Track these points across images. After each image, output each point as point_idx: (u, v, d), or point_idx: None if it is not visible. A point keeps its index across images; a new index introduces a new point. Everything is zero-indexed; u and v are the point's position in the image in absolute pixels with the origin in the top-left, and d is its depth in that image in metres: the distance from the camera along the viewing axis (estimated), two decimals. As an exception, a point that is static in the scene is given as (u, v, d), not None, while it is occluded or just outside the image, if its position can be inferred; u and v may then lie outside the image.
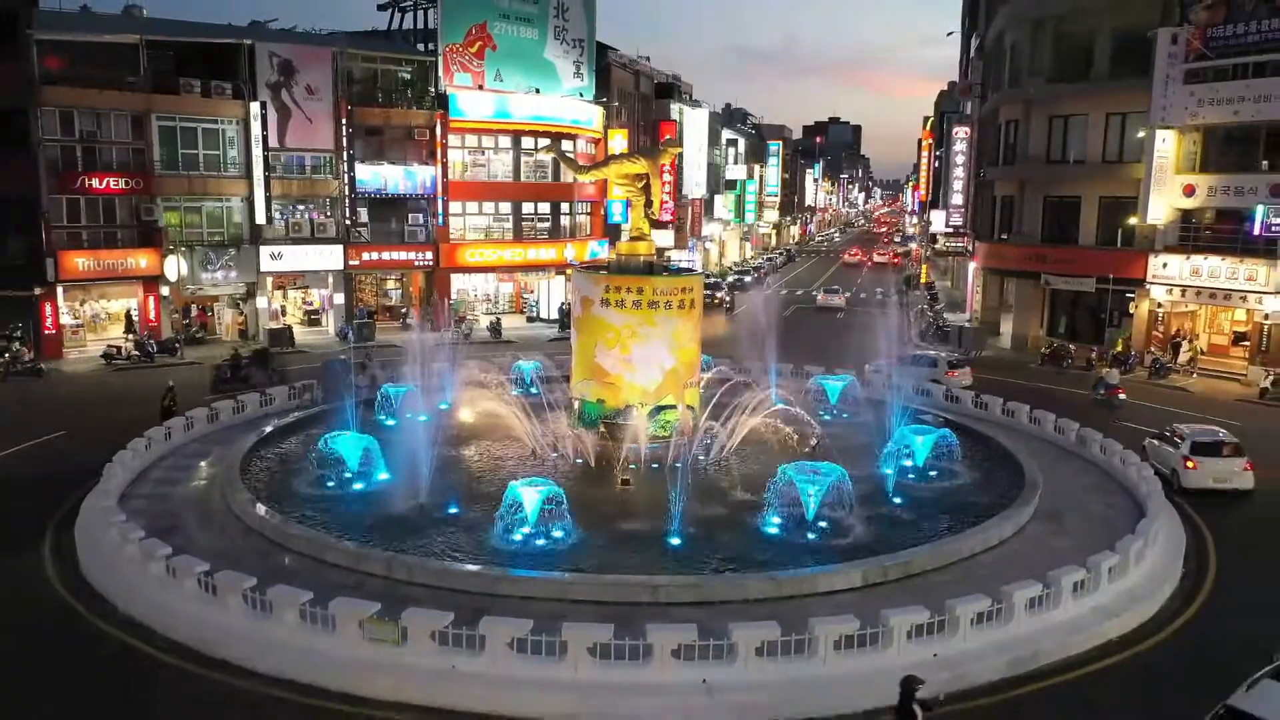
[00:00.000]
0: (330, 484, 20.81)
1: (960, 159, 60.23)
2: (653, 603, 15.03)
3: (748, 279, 75.26)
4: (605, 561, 16.86)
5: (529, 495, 17.56)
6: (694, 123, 75.38)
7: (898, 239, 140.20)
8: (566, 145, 49.47)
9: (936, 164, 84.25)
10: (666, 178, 58.35)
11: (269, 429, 24.52)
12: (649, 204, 24.30)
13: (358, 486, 20.71)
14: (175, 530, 18.11)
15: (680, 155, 65.41)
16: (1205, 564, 18.48)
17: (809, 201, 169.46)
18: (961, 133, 60.10)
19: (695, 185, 76.52)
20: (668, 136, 59.54)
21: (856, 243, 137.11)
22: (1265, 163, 35.42)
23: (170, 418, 24.62)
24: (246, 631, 14.21)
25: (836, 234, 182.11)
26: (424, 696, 13.01)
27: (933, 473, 22.18)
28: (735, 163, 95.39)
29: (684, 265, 48.52)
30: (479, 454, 23.38)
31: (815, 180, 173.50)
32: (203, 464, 22.56)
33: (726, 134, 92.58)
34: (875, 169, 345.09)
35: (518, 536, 17.51)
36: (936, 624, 13.99)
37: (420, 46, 49.10)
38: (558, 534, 17.61)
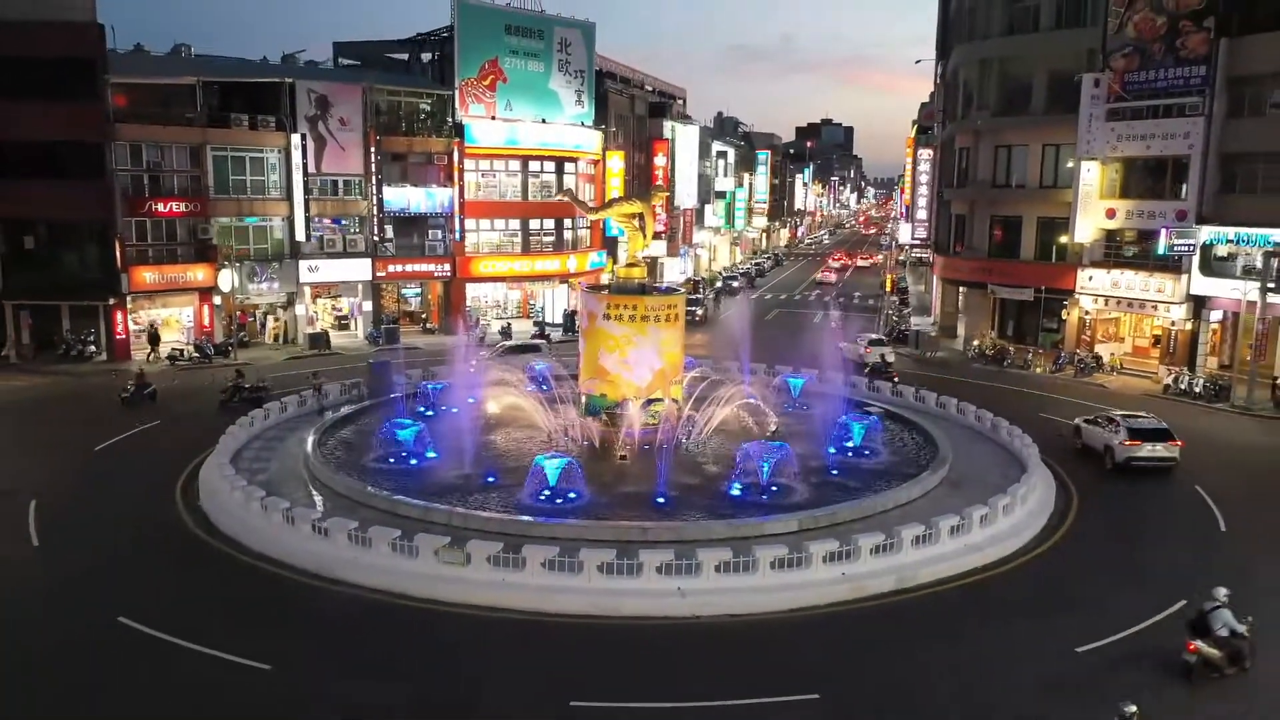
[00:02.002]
0: (391, 461, 26.37)
1: (925, 178, 66.00)
2: (643, 541, 20.46)
3: (735, 283, 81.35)
4: (608, 514, 22.45)
5: (551, 465, 23.17)
6: (685, 138, 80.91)
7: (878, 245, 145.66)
8: (569, 168, 55.61)
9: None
10: (661, 190, 64.32)
11: (331, 419, 30.08)
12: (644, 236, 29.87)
13: (413, 462, 26.29)
14: (278, 496, 23.49)
15: (673, 167, 72.76)
16: (1066, 518, 24.20)
17: (799, 205, 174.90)
18: (926, 154, 65.89)
19: (687, 196, 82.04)
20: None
21: (844, 246, 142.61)
22: (1171, 191, 41.11)
23: (257, 406, 30.38)
24: (351, 559, 19.83)
25: (826, 236, 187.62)
26: (483, 600, 18.57)
27: (867, 451, 27.88)
28: (725, 174, 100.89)
29: (669, 285, 54.15)
30: (506, 437, 28.89)
31: (805, 184, 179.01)
32: (283, 445, 28.08)
33: (716, 146, 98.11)
34: (869, 167, 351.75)
35: (543, 496, 23.08)
36: (845, 552, 19.63)
37: (429, 56, 54.66)
38: (572, 494, 23.18)
